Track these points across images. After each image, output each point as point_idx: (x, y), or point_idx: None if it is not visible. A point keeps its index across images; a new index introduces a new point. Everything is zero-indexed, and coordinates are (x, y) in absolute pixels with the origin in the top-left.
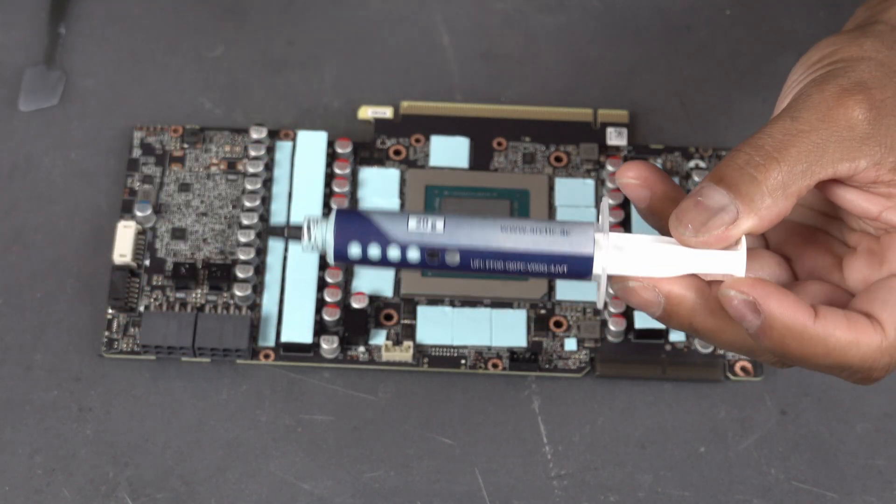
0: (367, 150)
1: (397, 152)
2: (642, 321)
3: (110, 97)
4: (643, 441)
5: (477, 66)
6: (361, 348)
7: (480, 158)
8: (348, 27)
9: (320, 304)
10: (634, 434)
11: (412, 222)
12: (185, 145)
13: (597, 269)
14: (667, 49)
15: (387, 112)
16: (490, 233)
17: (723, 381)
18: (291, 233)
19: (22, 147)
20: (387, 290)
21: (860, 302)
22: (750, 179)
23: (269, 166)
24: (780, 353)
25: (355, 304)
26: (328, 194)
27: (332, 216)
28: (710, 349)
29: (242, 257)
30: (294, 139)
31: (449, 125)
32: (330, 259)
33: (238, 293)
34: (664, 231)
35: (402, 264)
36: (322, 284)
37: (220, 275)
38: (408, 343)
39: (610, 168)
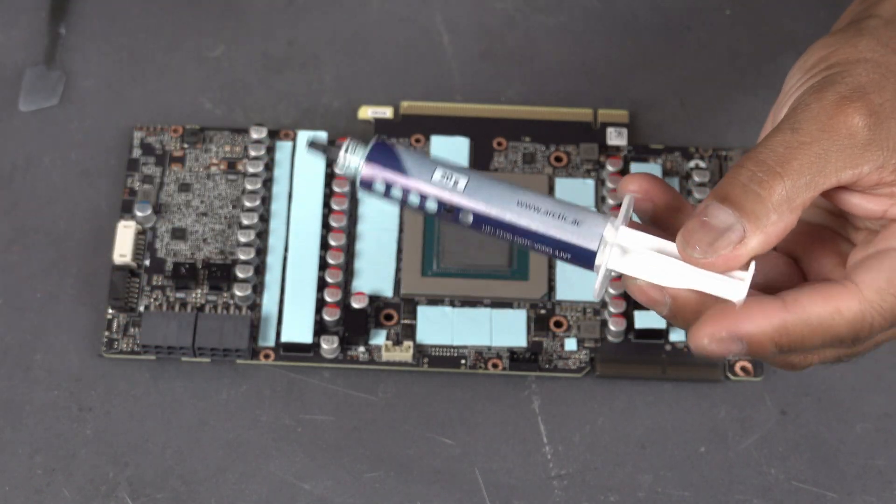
0: None
1: None
2: (642, 321)
3: (110, 97)
4: (643, 441)
5: (477, 66)
6: (361, 348)
7: (480, 158)
8: (348, 27)
9: (320, 304)
10: (634, 434)
11: (437, 175)
12: (185, 145)
13: (598, 263)
14: (667, 49)
15: (387, 112)
16: (507, 205)
17: (723, 381)
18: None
19: (22, 147)
20: (387, 290)
21: (840, 276)
22: (755, 197)
23: (269, 166)
24: (777, 354)
25: (355, 304)
26: (328, 194)
27: (369, 148)
28: None
29: (242, 257)
30: (294, 139)
31: (449, 125)
32: (357, 187)
33: (238, 293)
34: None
35: (419, 209)
36: (322, 284)
37: (220, 275)
38: (408, 343)
39: (610, 168)
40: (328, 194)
